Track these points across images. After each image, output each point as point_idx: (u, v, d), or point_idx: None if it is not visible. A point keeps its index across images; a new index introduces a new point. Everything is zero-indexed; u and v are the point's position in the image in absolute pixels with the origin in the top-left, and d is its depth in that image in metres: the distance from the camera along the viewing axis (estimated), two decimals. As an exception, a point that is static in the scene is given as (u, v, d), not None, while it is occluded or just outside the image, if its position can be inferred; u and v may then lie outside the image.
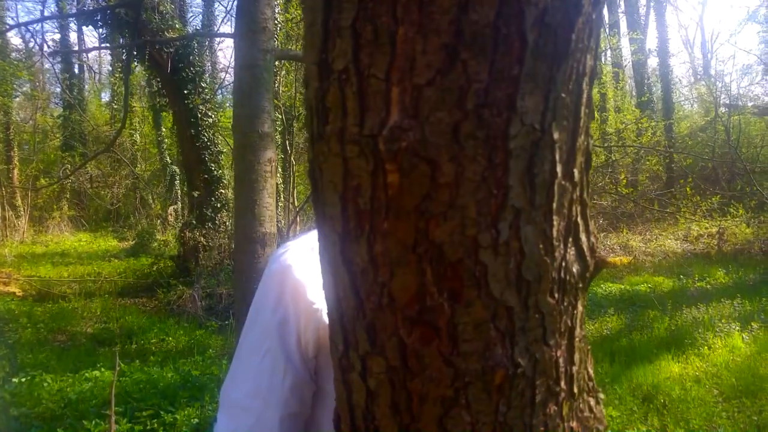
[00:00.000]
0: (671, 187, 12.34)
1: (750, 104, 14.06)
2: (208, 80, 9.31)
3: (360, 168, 0.51)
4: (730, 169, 12.41)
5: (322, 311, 0.78)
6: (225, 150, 9.15)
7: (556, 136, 0.50)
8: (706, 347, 4.77)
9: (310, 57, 0.53)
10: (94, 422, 3.20)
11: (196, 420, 3.30)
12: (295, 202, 11.91)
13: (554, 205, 0.52)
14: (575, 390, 0.61)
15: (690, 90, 19.55)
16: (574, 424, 0.61)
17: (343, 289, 0.58)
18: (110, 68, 19.83)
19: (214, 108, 9.14)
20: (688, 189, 10.59)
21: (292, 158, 11.65)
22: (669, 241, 10.15)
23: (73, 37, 20.61)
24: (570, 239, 0.55)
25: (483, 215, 0.49)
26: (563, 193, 0.53)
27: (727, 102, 13.54)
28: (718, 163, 12.40)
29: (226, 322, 6.00)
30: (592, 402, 0.64)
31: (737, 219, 10.04)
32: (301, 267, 0.79)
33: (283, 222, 11.66)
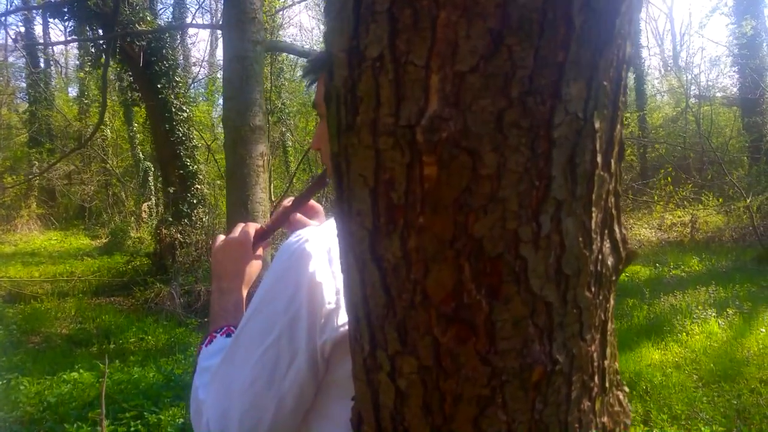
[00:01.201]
0: (645, 177, 12.57)
1: (719, 95, 14.39)
2: (181, 74, 9.11)
3: (394, 160, 0.48)
4: (701, 159, 12.69)
5: (339, 309, 0.76)
6: (200, 145, 8.99)
7: (597, 125, 0.48)
8: (684, 334, 4.87)
9: (338, 44, 0.51)
10: (75, 425, 3.11)
11: (181, 420, 3.24)
12: (272, 197, 11.79)
13: (593, 196, 0.51)
14: (606, 384, 0.60)
15: (661, 82, 19.91)
16: (605, 419, 0.60)
17: (371, 287, 0.55)
18: (78, 62, 19.31)
19: (188, 102, 8.96)
20: (662, 180, 10.80)
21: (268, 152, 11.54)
22: (644, 230, 10.35)
23: (38, 30, 19.97)
24: (606, 231, 0.54)
25: (524, 208, 0.47)
26: (602, 184, 0.51)
27: (697, 93, 13.83)
28: (689, 152, 12.68)
29: (206, 320, 5.92)
30: (621, 396, 0.63)
31: (709, 208, 10.28)
32: (318, 262, 0.76)
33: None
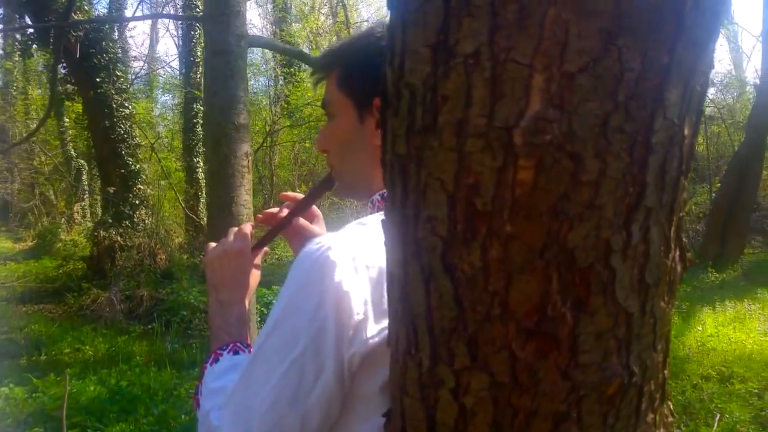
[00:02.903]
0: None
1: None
2: (122, 68, 8.68)
3: (482, 164, 0.45)
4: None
5: (368, 321, 0.72)
6: (144, 143, 8.60)
7: (686, 131, 0.47)
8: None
9: (419, 39, 0.47)
10: (11, 445, 2.87)
11: (130, 435, 3.06)
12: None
13: (675, 204, 0.50)
14: (665, 395, 0.59)
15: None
16: (662, 430, 0.59)
17: (437, 299, 0.52)
18: (1, 52, 18.07)
19: (130, 98, 8.55)
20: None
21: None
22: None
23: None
24: (677, 239, 0.53)
25: (618, 216, 0.46)
26: (682, 191, 0.50)
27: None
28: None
29: (150, 326, 5.66)
30: (671, 405, 0.63)
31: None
32: (343, 271, 0.71)
33: (205, 219, 11.18)
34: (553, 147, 0.43)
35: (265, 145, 11.64)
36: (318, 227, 1.13)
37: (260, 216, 1.15)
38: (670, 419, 0.61)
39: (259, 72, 15.51)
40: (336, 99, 0.89)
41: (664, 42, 0.42)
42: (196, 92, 10.97)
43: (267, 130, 12.11)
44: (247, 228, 1.05)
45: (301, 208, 1.08)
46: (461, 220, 0.48)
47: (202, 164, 11.37)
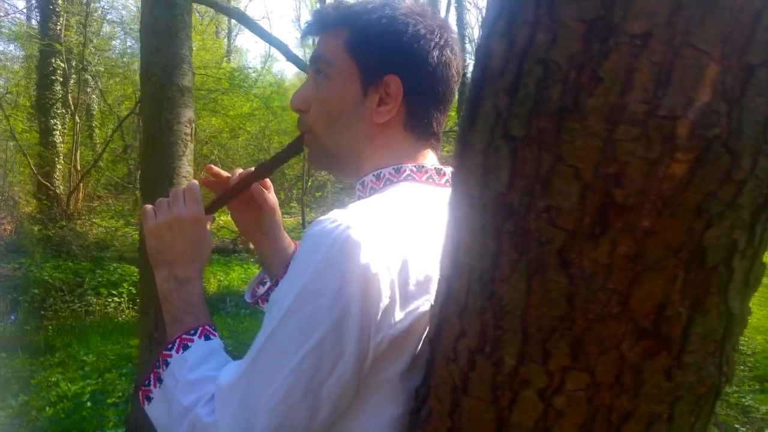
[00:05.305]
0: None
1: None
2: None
3: (631, 153, 0.42)
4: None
5: (396, 304, 0.65)
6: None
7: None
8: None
9: (572, 11, 0.42)
10: None
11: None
12: (78, 166, 10.30)
13: (774, 206, 0.50)
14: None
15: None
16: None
17: (542, 296, 0.48)
18: None
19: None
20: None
21: (77, 117, 10.02)
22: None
23: None
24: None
25: (748, 216, 0.45)
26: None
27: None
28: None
29: None
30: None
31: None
32: (369, 252, 0.64)
33: (62, 188, 10.01)
34: (718, 142, 0.41)
35: (135, 112, 10.68)
36: (271, 198, 1.04)
37: (204, 177, 1.03)
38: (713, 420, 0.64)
39: (131, 31, 14.12)
40: (339, 60, 0.80)
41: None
42: (57, 46, 9.71)
43: (138, 95, 11.12)
44: (197, 190, 0.91)
45: (261, 172, 0.98)
46: (591, 212, 0.45)
47: (60, 127, 10.16)
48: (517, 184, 0.48)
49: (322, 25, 0.83)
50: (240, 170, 1.01)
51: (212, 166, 1.03)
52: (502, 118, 0.48)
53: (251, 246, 8.84)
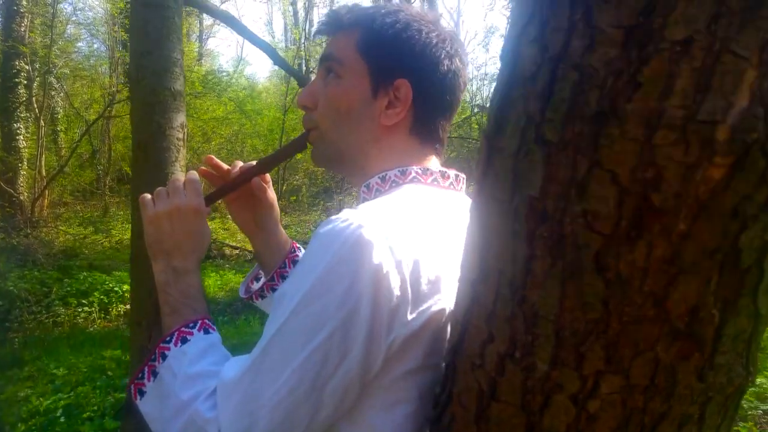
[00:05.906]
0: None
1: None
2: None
3: (669, 157, 0.43)
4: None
5: (407, 303, 0.65)
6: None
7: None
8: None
9: (611, 18, 0.43)
10: None
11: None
12: (43, 172, 10.00)
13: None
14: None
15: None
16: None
17: (577, 300, 0.48)
18: None
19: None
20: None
21: (41, 120, 9.73)
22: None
23: None
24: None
25: (779, 219, 0.46)
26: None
27: (480, 103, 15.73)
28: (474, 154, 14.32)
29: None
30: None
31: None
32: (381, 251, 0.63)
33: (26, 194, 9.70)
34: (756, 146, 0.41)
35: (105, 115, 10.44)
36: (270, 194, 1.03)
37: (203, 167, 1.00)
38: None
39: (98, 33, 13.82)
40: (351, 60, 0.80)
41: None
42: (21, 47, 9.43)
43: (108, 99, 10.88)
44: (197, 180, 0.89)
45: (264, 167, 0.96)
46: (627, 216, 0.45)
47: (24, 131, 9.85)
48: (551, 188, 0.48)
49: (337, 25, 0.82)
50: (241, 163, 1.00)
51: (213, 156, 1.01)
52: (535, 123, 0.48)
53: (226, 252, 8.71)
